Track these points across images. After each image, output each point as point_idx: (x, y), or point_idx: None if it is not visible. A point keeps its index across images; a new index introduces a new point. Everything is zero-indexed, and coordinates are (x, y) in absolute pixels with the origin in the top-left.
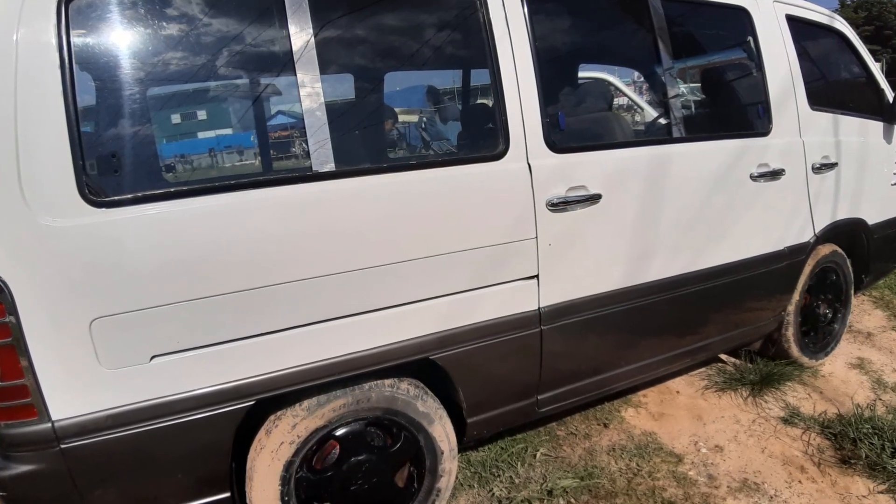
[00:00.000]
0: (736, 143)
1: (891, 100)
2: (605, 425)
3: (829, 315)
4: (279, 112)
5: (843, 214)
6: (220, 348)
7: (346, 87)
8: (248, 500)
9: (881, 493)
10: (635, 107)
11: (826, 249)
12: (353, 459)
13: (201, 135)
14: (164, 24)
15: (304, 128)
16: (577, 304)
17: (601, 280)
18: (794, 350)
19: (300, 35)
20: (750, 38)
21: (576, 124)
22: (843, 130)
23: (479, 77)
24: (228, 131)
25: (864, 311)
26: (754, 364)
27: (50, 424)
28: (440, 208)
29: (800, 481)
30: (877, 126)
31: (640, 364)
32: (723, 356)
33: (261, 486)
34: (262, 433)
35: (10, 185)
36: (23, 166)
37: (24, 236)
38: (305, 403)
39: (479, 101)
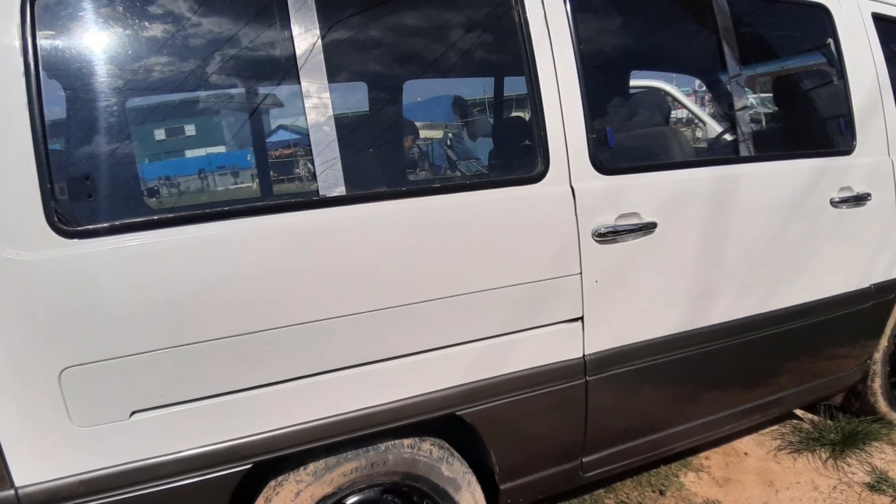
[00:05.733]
0: (814, 164)
1: None
2: (661, 492)
3: None
4: (280, 127)
5: None
6: (212, 403)
7: (358, 97)
8: None
9: None
10: (696, 121)
11: None
12: None
13: (190, 153)
14: (147, 24)
15: (310, 145)
16: (629, 351)
17: (656, 323)
18: (882, 404)
19: (305, 37)
20: (830, 41)
21: (627, 141)
22: None
23: (514, 86)
24: (221, 149)
25: None
26: (835, 421)
27: (13, 492)
28: (468, 239)
29: None
30: None
31: (701, 421)
32: (798, 412)
33: None
34: (260, 502)
35: None
36: None
37: None
38: (311, 467)
39: (513, 115)
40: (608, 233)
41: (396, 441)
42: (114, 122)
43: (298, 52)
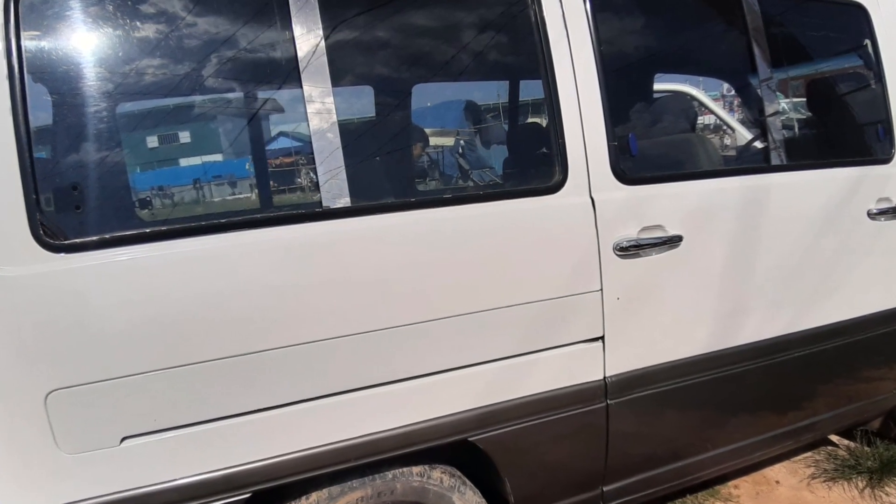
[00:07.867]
0: (850, 173)
1: None
2: None
3: None
4: (281, 134)
5: None
6: (208, 428)
7: (363, 102)
8: None
9: None
10: (724, 127)
11: None
12: None
13: (184, 162)
14: (140, 24)
15: (312, 153)
16: (652, 373)
17: (682, 343)
18: None
19: (307, 37)
20: (867, 42)
21: (651, 149)
22: None
23: (531, 90)
24: (218, 158)
25: None
26: (873, 447)
27: None
28: (481, 253)
29: None
30: None
31: (730, 447)
32: (833, 437)
33: None
34: None
35: None
36: None
37: None
38: (314, 496)
39: (529, 121)
40: (630, 247)
41: (405, 469)
42: (103, 128)
43: (300, 54)
